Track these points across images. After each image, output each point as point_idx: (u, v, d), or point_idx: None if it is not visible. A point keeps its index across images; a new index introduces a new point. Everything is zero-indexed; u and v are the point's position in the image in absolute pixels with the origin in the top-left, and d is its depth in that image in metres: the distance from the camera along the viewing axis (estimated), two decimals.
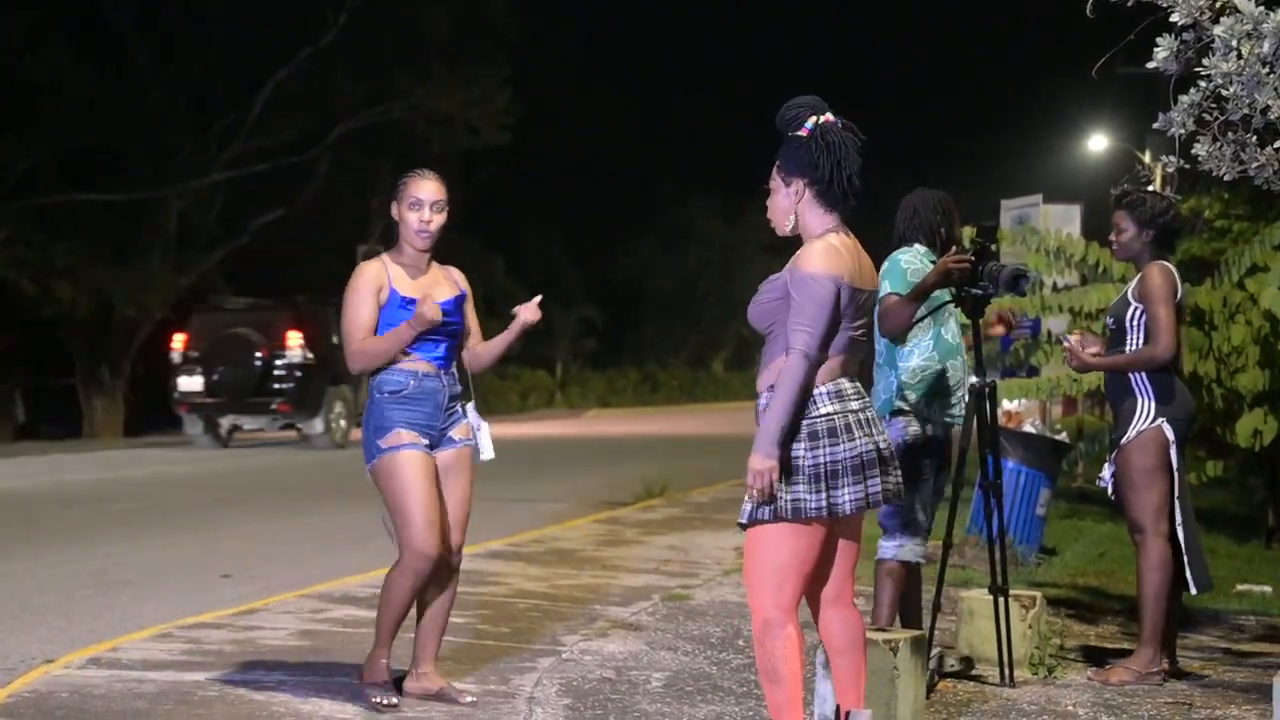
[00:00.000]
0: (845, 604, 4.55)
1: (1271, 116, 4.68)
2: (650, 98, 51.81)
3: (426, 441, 5.31)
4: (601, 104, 43.82)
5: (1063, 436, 11.37)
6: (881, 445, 4.39)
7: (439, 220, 5.36)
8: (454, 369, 5.42)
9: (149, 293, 30.21)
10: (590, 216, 48.15)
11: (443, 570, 5.44)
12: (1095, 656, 6.70)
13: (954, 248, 5.84)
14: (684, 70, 59.48)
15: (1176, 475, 6.14)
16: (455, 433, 5.41)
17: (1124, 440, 6.15)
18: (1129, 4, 4.90)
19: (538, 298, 5.38)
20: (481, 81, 34.74)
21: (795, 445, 4.29)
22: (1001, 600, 6.04)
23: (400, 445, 5.24)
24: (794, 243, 4.47)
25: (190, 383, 22.11)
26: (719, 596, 8.33)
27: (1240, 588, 9.06)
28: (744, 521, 4.36)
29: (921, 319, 5.82)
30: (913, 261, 5.86)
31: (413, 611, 5.56)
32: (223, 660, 6.37)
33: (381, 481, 5.31)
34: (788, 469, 4.28)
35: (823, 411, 4.29)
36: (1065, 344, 6.32)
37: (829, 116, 4.40)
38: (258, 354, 21.86)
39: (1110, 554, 10.28)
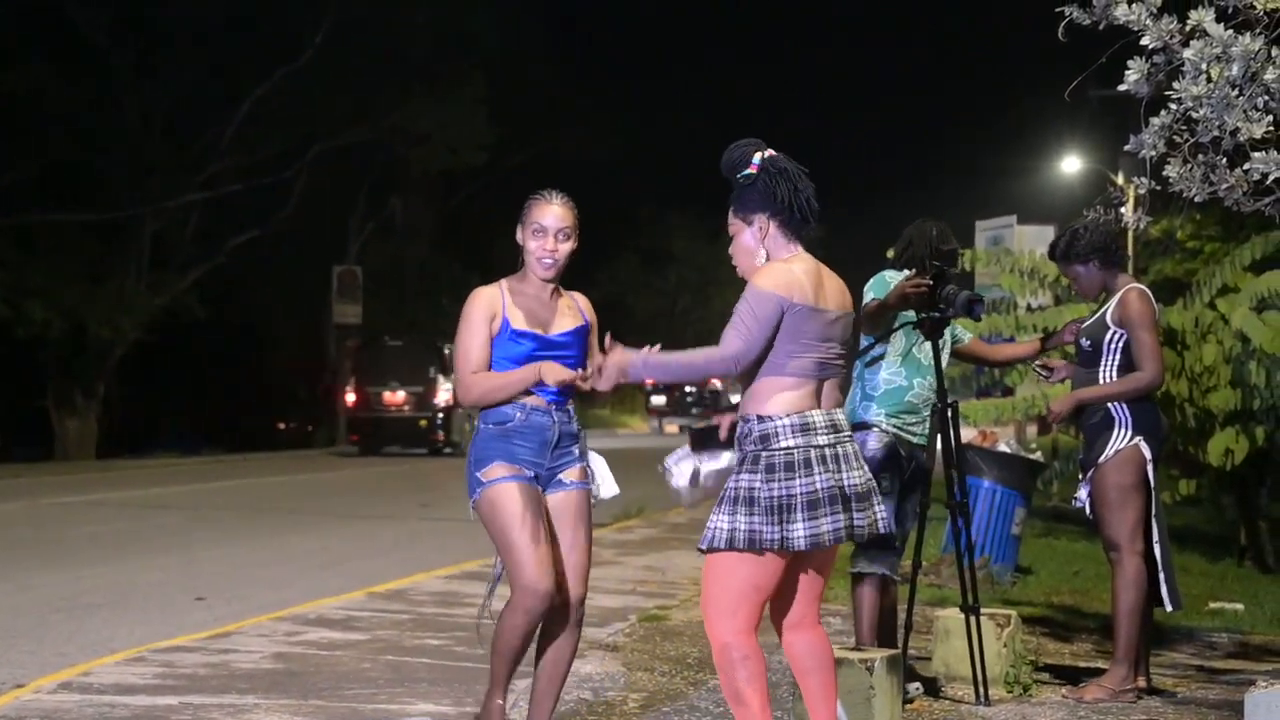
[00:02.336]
0: (809, 626, 4.54)
1: (1241, 139, 4.70)
2: (630, 115, 52.07)
3: (531, 474, 4.88)
4: (581, 121, 43.89)
5: (1037, 456, 11.42)
6: (851, 482, 4.35)
7: (565, 249, 4.94)
8: (569, 405, 4.97)
9: (123, 313, 30.15)
10: None
11: (559, 621, 4.96)
12: (1070, 674, 6.72)
13: (912, 270, 5.92)
14: (664, 87, 59.78)
15: (1153, 493, 6.17)
16: (567, 475, 4.96)
17: (1101, 459, 6.16)
18: (1100, 27, 4.93)
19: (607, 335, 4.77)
20: (459, 101, 34.80)
21: (753, 477, 4.31)
22: (973, 619, 6.06)
23: (501, 478, 4.83)
24: None
25: None
26: (695, 617, 8.32)
27: (1213, 605, 9.11)
28: (703, 547, 4.38)
29: (889, 333, 5.91)
30: (897, 276, 5.96)
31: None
32: (196, 684, 6.35)
33: (484, 517, 4.88)
34: (746, 500, 4.30)
35: (782, 445, 4.29)
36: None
37: (771, 151, 4.46)
38: None
39: (1085, 572, 10.32)
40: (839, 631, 7.71)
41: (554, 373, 4.76)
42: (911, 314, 5.90)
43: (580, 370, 4.78)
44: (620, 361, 4.37)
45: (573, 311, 5.03)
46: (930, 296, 5.75)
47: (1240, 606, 9.11)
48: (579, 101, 44.38)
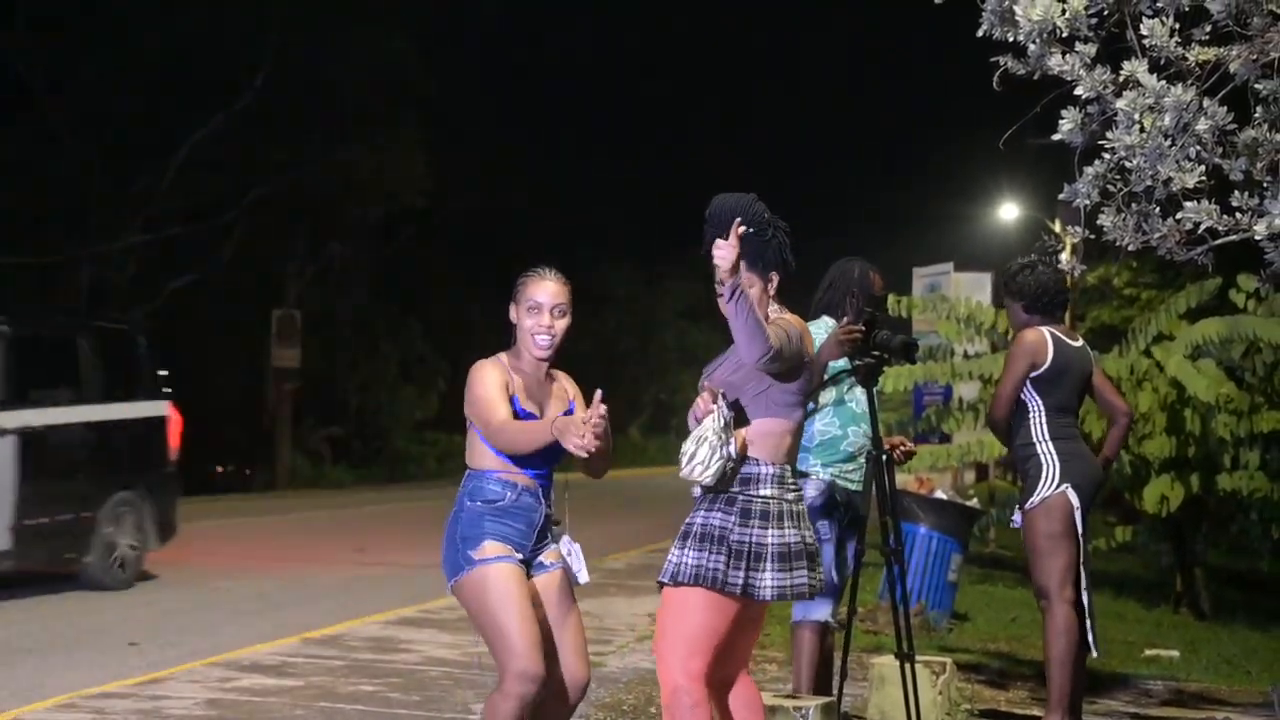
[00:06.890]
0: (739, 677, 4.53)
1: (1173, 188, 4.75)
2: (569, 159, 52.14)
3: (520, 556, 4.69)
4: (520, 165, 43.87)
5: (974, 503, 11.47)
6: (809, 540, 4.41)
7: (562, 325, 4.75)
8: (550, 492, 4.82)
9: None
10: (509, 277, 48.03)
11: (557, 706, 4.77)
12: None
13: (845, 319, 5.91)
14: (604, 132, 59.88)
15: (1081, 541, 6.17)
16: (546, 557, 4.81)
17: (1029, 506, 6.17)
18: (1035, 77, 4.98)
19: (598, 394, 4.50)
20: (398, 145, 34.76)
21: (727, 518, 4.30)
22: (908, 666, 6.05)
23: (494, 558, 4.61)
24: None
25: None
26: (632, 664, 8.29)
27: (1149, 652, 9.15)
28: (664, 580, 4.35)
29: (824, 386, 5.90)
30: (819, 328, 5.95)
31: None
32: None
33: (471, 597, 4.63)
34: (716, 539, 4.27)
35: (763, 494, 4.30)
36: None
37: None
38: None
39: (1021, 619, 10.35)
40: (775, 679, 7.70)
41: (570, 436, 4.38)
42: (843, 362, 5.88)
43: (587, 440, 4.37)
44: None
45: (561, 395, 4.85)
46: (864, 342, 5.76)
47: (1176, 653, 9.16)
48: (516, 145, 44.40)
